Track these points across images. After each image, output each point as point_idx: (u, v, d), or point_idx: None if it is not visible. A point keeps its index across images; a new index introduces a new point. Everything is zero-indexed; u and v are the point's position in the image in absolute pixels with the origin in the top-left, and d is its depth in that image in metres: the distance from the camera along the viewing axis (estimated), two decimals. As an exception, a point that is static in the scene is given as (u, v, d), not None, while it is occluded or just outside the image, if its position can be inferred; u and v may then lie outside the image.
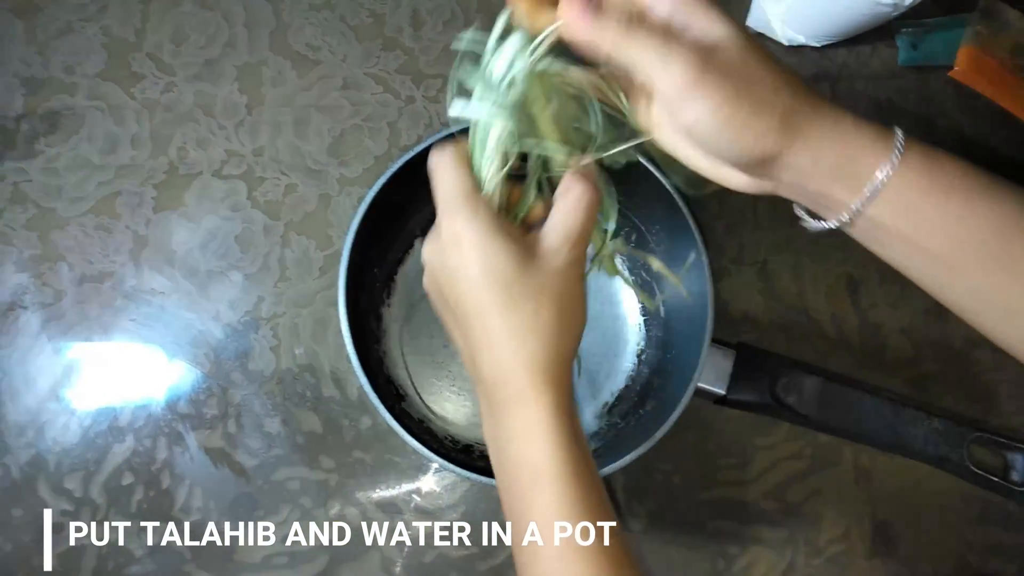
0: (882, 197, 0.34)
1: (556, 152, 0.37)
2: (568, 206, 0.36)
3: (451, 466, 0.48)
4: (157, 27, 0.63)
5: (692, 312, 0.53)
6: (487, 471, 0.48)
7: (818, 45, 0.65)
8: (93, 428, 0.56)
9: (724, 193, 0.62)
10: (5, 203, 0.59)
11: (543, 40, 0.34)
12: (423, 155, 0.50)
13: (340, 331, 0.49)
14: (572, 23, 0.33)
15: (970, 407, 0.61)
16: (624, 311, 0.60)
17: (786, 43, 0.65)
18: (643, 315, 0.59)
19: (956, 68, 0.63)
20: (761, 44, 0.34)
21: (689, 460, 0.59)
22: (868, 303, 0.62)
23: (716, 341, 0.52)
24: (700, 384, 0.51)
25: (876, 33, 0.62)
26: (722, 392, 0.52)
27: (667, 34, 0.33)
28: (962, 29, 0.63)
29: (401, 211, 0.57)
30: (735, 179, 0.38)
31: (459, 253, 0.35)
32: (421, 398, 0.57)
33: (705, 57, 0.32)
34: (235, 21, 0.63)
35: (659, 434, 0.48)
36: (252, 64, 0.62)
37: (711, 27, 0.33)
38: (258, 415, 0.57)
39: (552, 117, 0.36)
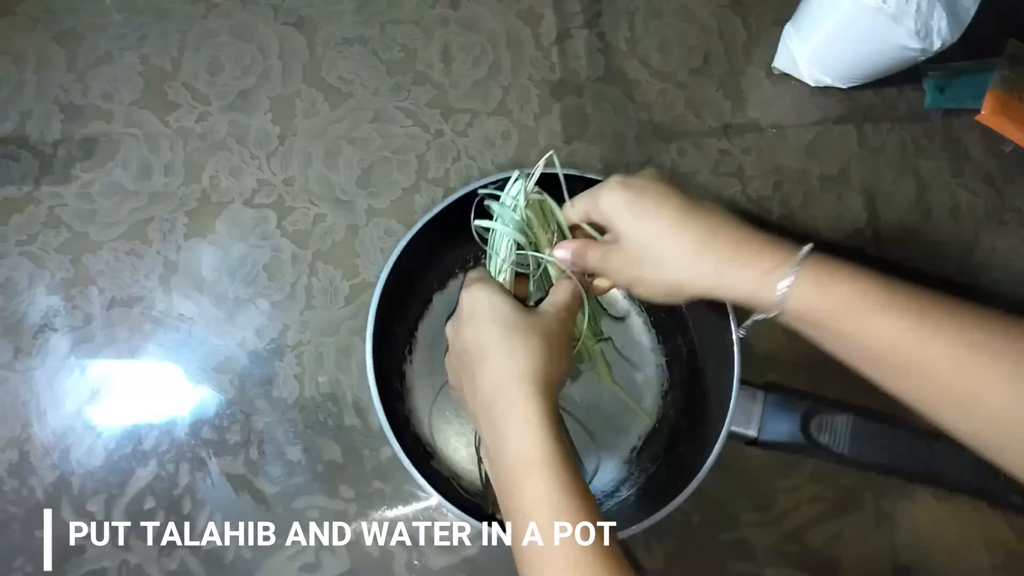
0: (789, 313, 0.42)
1: (550, 261, 0.49)
2: (558, 289, 0.48)
3: (467, 516, 0.48)
4: (193, 57, 0.64)
5: (717, 352, 0.53)
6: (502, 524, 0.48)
7: (844, 87, 0.65)
8: (117, 451, 0.56)
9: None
10: (40, 227, 0.60)
11: (535, 176, 0.48)
12: (447, 208, 0.51)
13: (363, 360, 0.50)
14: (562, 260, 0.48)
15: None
16: (647, 352, 0.60)
17: (812, 83, 0.65)
18: (665, 356, 0.59)
19: (983, 112, 0.63)
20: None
21: (710, 500, 0.58)
22: (892, 345, 0.62)
23: (743, 382, 0.52)
24: (732, 428, 0.50)
25: (903, 76, 0.63)
26: (753, 435, 0.52)
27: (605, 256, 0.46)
28: (989, 74, 0.64)
29: (421, 266, 0.57)
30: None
31: (471, 302, 0.45)
32: (446, 456, 0.57)
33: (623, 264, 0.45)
34: (270, 53, 0.64)
35: (695, 483, 0.48)
36: (285, 95, 0.64)
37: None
38: (280, 443, 0.57)
39: (548, 237, 0.49)
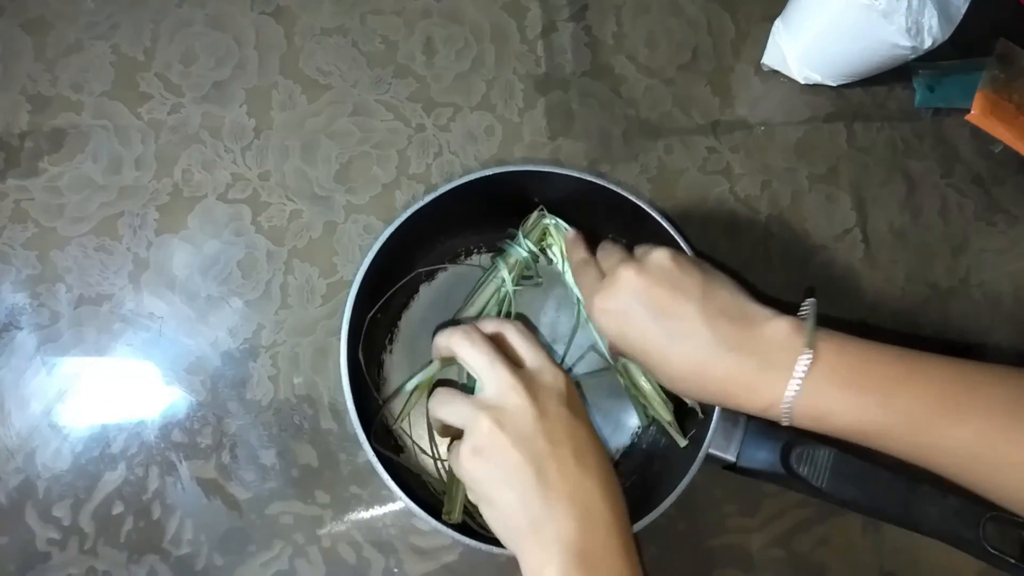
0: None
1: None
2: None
3: (441, 526, 0.47)
4: (167, 47, 0.62)
5: None
6: (481, 536, 0.47)
7: (834, 84, 0.64)
8: (85, 454, 0.55)
9: (735, 231, 0.62)
10: (5, 221, 0.58)
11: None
12: (439, 197, 0.50)
13: (340, 363, 0.49)
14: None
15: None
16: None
17: (802, 81, 0.64)
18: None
19: (973, 112, 0.62)
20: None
21: (695, 506, 0.57)
22: (880, 348, 0.61)
23: None
24: (710, 450, 0.49)
25: (893, 74, 0.62)
26: (732, 459, 0.51)
27: None
28: (979, 73, 0.63)
29: (408, 253, 0.56)
30: None
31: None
32: (419, 452, 0.55)
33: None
34: (246, 43, 0.62)
35: (665, 504, 0.47)
36: (262, 87, 0.62)
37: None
38: (253, 446, 0.55)
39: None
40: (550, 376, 0.46)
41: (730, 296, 0.44)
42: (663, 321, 0.43)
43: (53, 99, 0.60)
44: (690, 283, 0.44)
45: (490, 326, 0.50)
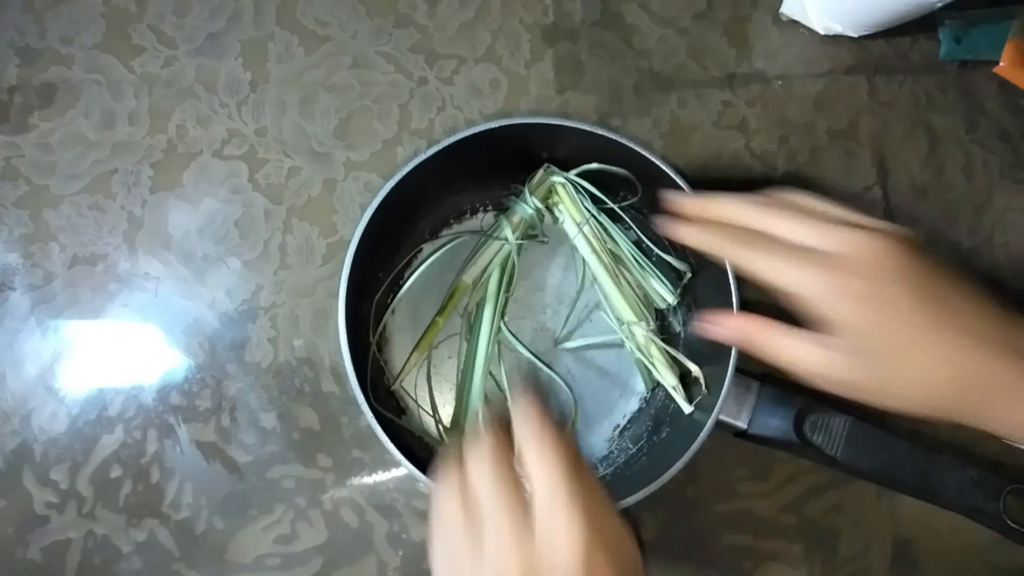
0: None
1: None
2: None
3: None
4: (159, -3, 0.60)
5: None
6: None
7: (855, 35, 0.61)
8: (82, 417, 0.53)
9: (750, 188, 0.59)
10: (-4, 178, 0.56)
11: None
12: (440, 152, 0.48)
13: (338, 323, 0.47)
14: None
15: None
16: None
17: (822, 32, 0.61)
18: (662, 334, 0.56)
19: (1001, 64, 0.60)
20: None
21: (705, 470, 0.56)
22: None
23: (740, 370, 0.49)
24: (720, 417, 0.48)
25: (917, 24, 0.59)
26: (743, 427, 0.49)
27: None
28: (1010, 23, 0.60)
29: (410, 210, 0.54)
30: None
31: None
32: (422, 413, 0.54)
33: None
34: (241, -7, 0.60)
35: (672, 471, 0.45)
36: (258, 39, 0.59)
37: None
38: (253, 409, 0.54)
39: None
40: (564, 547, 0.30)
41: (981, 291, 0.37)
42: (935, 309, 0.35)
43: (42, 52, 0.58)
44: (947, 270, 0.37)
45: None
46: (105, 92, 0.58)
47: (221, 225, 0.56)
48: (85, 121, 0.58)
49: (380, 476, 0.54)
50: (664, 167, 0.49)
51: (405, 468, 0.45)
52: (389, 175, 0.49)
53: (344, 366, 0.46)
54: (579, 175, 0.54)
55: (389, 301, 0.55)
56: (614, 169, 0.50)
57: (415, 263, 0.56)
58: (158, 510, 0.53)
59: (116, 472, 0.53)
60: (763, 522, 0.56)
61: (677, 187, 0.49)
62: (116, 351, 0.55)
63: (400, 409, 0.54)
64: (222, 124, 0.58)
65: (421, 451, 0.52)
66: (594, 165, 0.52)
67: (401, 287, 0.55)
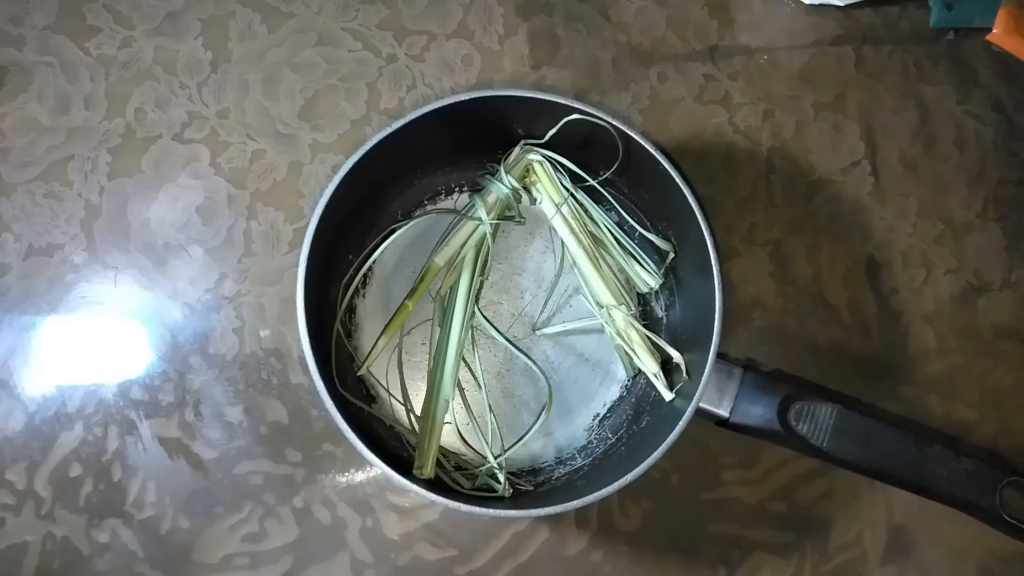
0: None
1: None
2: None
3: (412, 485, 0.43)
4: (115, -25, 0.57)
5: (699, 320, 0.48)
6: (456, 493, 0.44)
7: (842, 4, 0.59)
8: (39, 414, 0.51)
9: (734, 165, 0.58)
10: (-55, 167, 0.54)
11: None
12: (408, 127, 0.45)
13: (297, 306, 0.45)
14: None
15: (995, 410, 0.56)
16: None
17: (807, 1, 0.59)
18: (643, 319, 0.54)
19: (994, 31, 0.57)
20: None
21: (689, 457, 0.54)
22: (889, 288, 0.57)
23: (722, 357, 0.47)
24: (701, 404, 0.46)
25: (907, -9, 0.56)
26: (724, 415, 0.47)
27: None
28: (1003, -13, 0.57)
29: (380, 190, 0.52)
30: None
31: None
32: (393, 401, 0.52)
33: None
34: (200, -31, 0.57)
35: (651, 460, 0.43)
36: (218, 17, 0.57)
37: None
38: (218, 403, 0.52)
39: None
40: None
41: None
42: None
43: (-9, 33, 0.56)
44: None
45: None
46: (59, 75, 0.56)
47: (182, 212, 0.54)
48: (38, 105, 0.55)
49: (352, 471, 0.52)
50: (647, 144, 0.47)
51: (369, 461, 0.43)
52: (358, 156, 0.46)
53: (305, 354, 0.44)
54: (557, 140, 0.51)
55: (360, 286, 0.52)
56: (598, 117, 0.47)
57: (385, 245, 0.53)
58: (120, 510, 0.50)
59: (76, 471, 0.51)
60: (751, 510, 0.54)
61: (659, 166, 0.47)
62: (74, 345, 0.52)
63: (371, 397, 0.52)
64: (182, 107, 0.55)
65: (392, 440, 0.50)
66: (574, 116, 0.48)
67: (372, 271, 0.52)
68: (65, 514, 0.50)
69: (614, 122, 0.47)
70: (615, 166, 0.50)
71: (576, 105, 0.47)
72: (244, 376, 0.52)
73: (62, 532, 0.50)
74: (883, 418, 0.48)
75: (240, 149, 0.55)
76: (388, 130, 0.45)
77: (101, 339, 0.52)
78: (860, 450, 0.46)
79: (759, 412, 0.47)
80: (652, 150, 0.47)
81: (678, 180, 0.46)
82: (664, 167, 0.47)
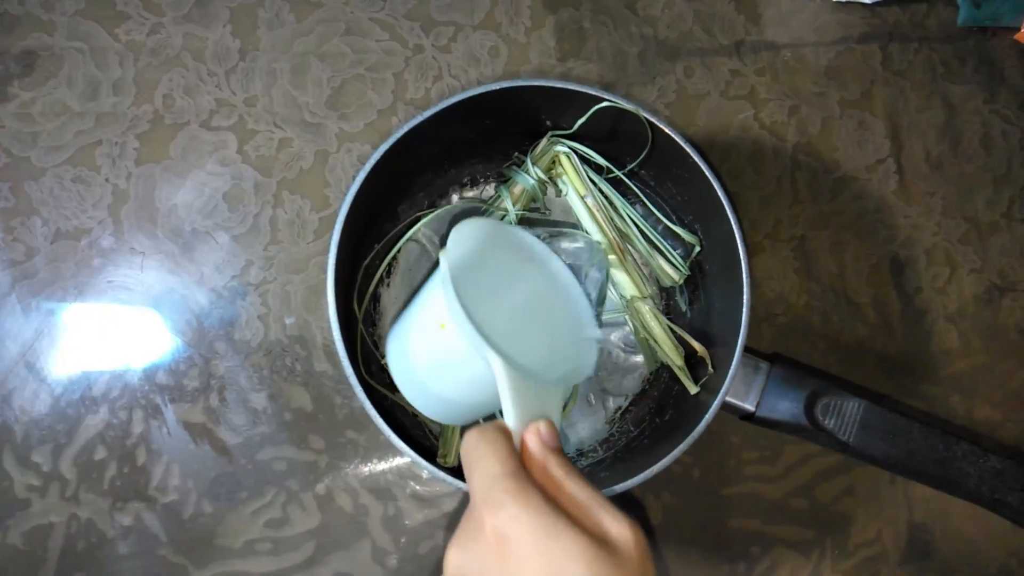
0: None
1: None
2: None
3: (440, 473, 0.43)
4: (144, -38, 0.57)
5: (725, 314, 0.48)
6: None
7: (868, 2, 0.59)
8: (64, 397, 0.51)
9: (759, 161, 0.57)
10: (-25, 150, 0.54)
11: None
12: (437, 116, 0.45)
13: (327, 295, 0.45)
14: None
15: (1019, 410, 0.56)
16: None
17: (834, -2, 0.59)
18: (667, 312, 0.54)
19: (1023, 31, 0.57)
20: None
21: (711, 452, 0.54)
22: (913, 287, 0.57)
23: (749, 350, 0.46)
24: (727, 398, 0.45)
25: (935, -11, 0.56)
26: (751, 409, 0.47)
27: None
28: (1032, -14, 0.57)
29: (407, 179, 0.52)
30: None
31: (507, 561, 0.28)
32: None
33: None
34: (229, -43, 0.57)
35: (675, 453, 0.43)
36: (247, 5, 0.57)
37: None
38: (243, 389, 0.52)
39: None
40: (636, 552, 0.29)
41: None
42: None
43: (22, 18, 0.56)
44: None
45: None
46: (89, 60, 0.56)
47: (209, 198, 0.54)
48: (68, 90, 0.55)
49: (375, 458, 0.52)
50: (677, 138, 0.47)
51: (399, 447, 0.43)
52: (384, 146, 0.46)
53: (334, 341, 0.44)
54: (583, 133, 0.51)
55: (384, 275, 0.53)
56: (629, 107, 0.47)
57: (414, 233, 0.53)
58: (144, 493, 0.51)
59: (100, 454, 0.51)
60: (772, 506, 0.54)
61: (690, 161, 0.47)
62: (100, 329, 0.53)
63: (394, 386, 0.52)
64: (210, 94, 0.56)
65: (414, 429, 0.50)
66: (604, 103, 0.47)
67: (397, 260, 0.53)
68: (90, 496, 0.50)
69: (644, 112, 0.47)
70: (642, 155, 0.50)
71: (606, 95, 0.47)
72: (269, 362, 0.52)
73: (86, 514, 0.50)
74: (909, 414, 0.48)
75: (267, 137, 0.55)
76: (419, 119, 0.45)
77: (127, 323, 0.53)
78: (887, 446, 0.46)
79: (786, 406, 0.47)
80: (681, 142, 0.47)
81: (707, 172, 0.46)
82: (694, 159, 0.46)
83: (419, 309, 0.42)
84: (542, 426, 0.34)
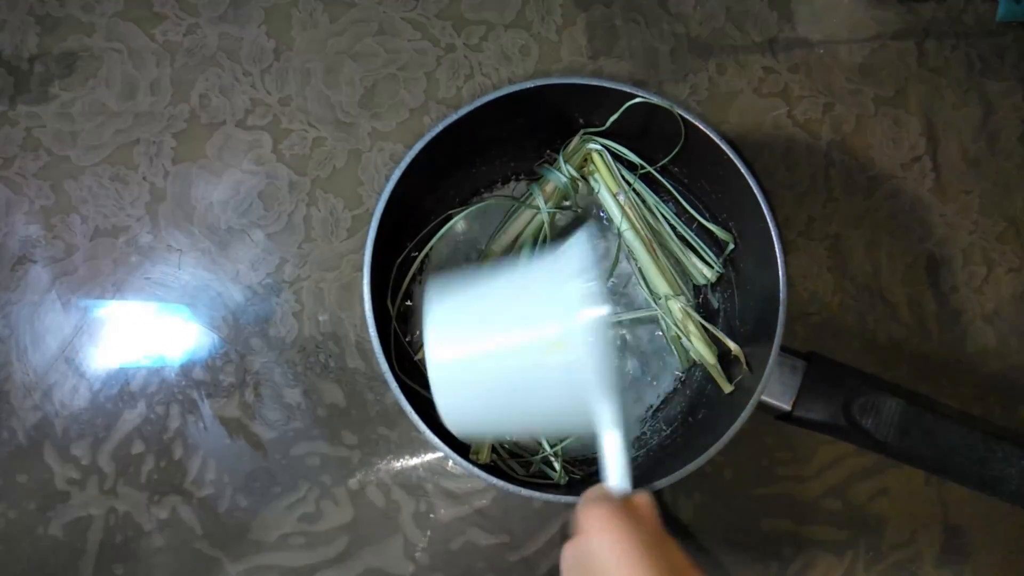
0: None
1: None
2: None
3: (473, 469, 0.43)
4: (181, -36, 0.58)
5: (759, 313, 0.47)
6: (511, 477, 0.44)
7: (904, -3, 0.58)
8: (103, 392, 0.52)
9: (793, 158, 0.57)
10: (16, 149, 0.55)
11: None
12: (471, 115, 0.45)
13: (363, 293, 0.45)
14: None
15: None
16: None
17: (869, -6, 0.58)
18: (700, 311, 0.53)
19: (1064, 25, 0.56)
20: None
21: (744, 452, 0.53)
22: (949, 286, 0.56)
23: (785, 349, 0.46)
24: (763, 398, 0.45)
25: (973, -16, 0.56)
26: (787, 408, 0.47)
27: None
28: (1073, -19, 0.56)
29: (439, 177, 0.52)
30: None
31: None
32: None
33: None
34: (264, -42, 0.58)
35: (710, 453, 0.43)
36: (281, 5, 0.58)
37: None
38: (278, 385, 0.53)
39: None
40: None
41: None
42: None
43: (63, 20, 0.57)
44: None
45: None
46: (127, 61, 0.57)
47: (245, 197, 0.55)
48: (107, 91, 0.56)
49: (406, 454, 0.52)
50: (713, 136, 0.46)
51: (432, 444, 0.43)
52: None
53: (370, 338, 0.44)
54: (615, 130, 0.51)
55: (417, 273, 0.53)
56: (663, 103, 0.46)
57: (446, 232, 0.54)
58: (181, 487, 0.51)
59: (138, 448, 0.52)
60: (805, 507, 0.53)
61: (725, 159, 0.47)
62: (138, 325, 0.53)
63: (427, 383, 0.52)
64: (245, 93, 0.56)
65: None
66: (638, 99, 0.47)
67: (429, 257, 0.53)
68: (127, 490, 0.51)
69: (678, 108, 0.46)
70: (675, 151, 0.50)
71: (639, 92, 0.47)
72: (303, 359, 0.53)
73: (124, 507, 0.51)
74: (948, 414, 0.47)
75: (301, 136, 0.56)
76: (453, 117, 0.46)
77: (164, 320, 0.54)
78: (925, 447, 0.46)
79: (823, 406, 0.47)
80: (716, 138, 0.47)
81: (742, 169, 0.46)
82: (728, 156, 0.46)
83: (518, 325, 0.37)
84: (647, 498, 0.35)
